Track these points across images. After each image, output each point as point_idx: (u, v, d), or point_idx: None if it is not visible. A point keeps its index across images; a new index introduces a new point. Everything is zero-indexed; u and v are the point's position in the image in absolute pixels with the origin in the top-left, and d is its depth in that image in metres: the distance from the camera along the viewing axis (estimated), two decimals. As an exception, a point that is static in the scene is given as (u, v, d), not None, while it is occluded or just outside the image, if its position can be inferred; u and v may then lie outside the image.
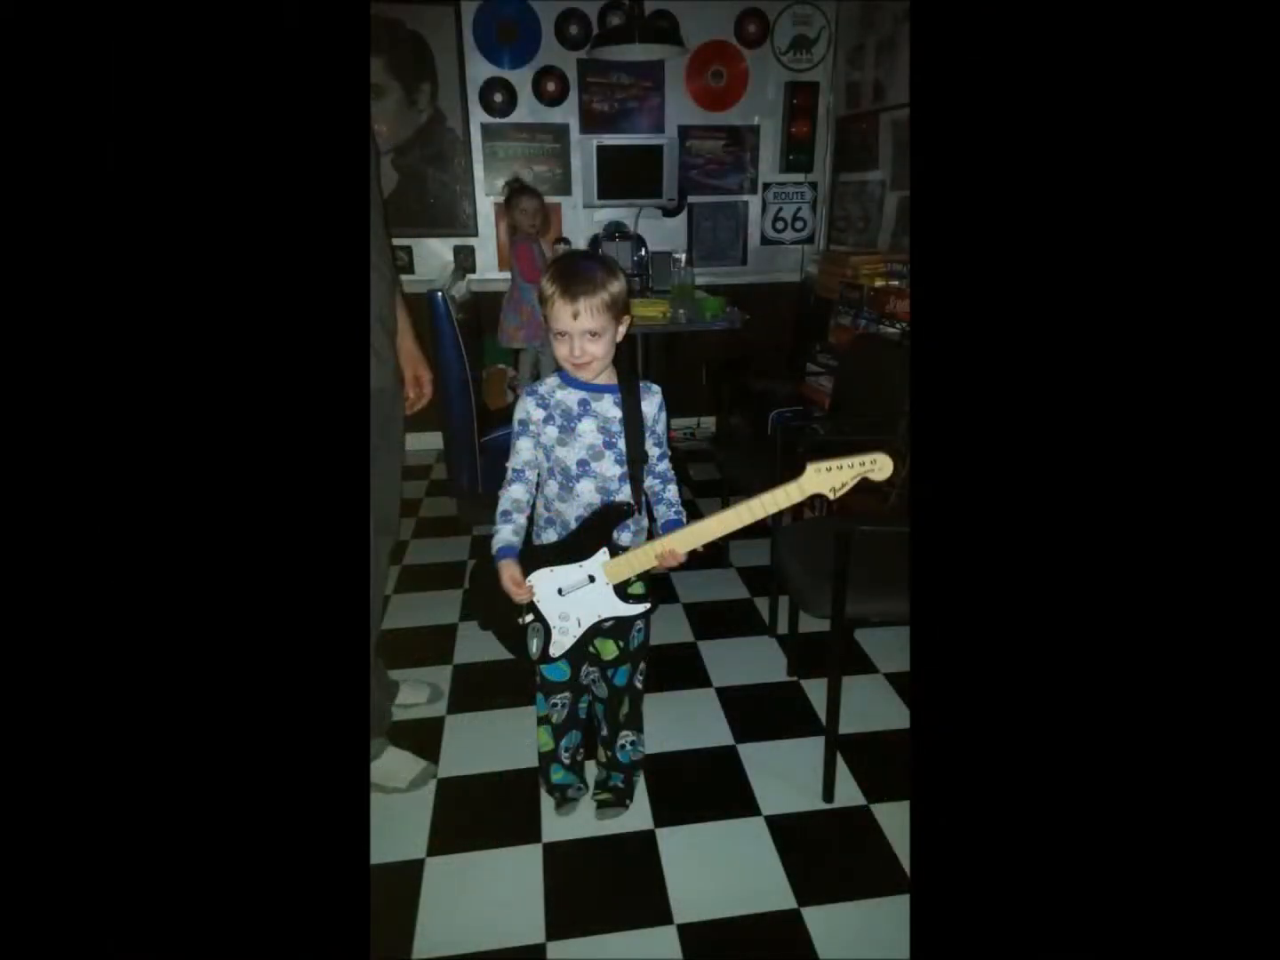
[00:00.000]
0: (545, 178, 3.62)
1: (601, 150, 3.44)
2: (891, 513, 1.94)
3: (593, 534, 1.31)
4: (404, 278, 2.02)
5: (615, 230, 3.60)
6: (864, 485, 1.20)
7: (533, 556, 1.34)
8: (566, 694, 1.50)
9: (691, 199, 3.77)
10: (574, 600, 1.34)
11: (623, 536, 1.36)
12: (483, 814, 1.59)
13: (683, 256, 3.58)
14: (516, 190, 3.15)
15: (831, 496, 1.20)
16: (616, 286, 1.24)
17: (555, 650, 1.38)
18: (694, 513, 2.65)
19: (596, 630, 1.39)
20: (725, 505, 1.52)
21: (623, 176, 3.49)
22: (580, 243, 3.65)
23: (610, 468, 1.32)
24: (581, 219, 3.71)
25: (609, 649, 1.47)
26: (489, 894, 1.40)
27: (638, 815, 1.57)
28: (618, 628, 1.43)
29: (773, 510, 1.21)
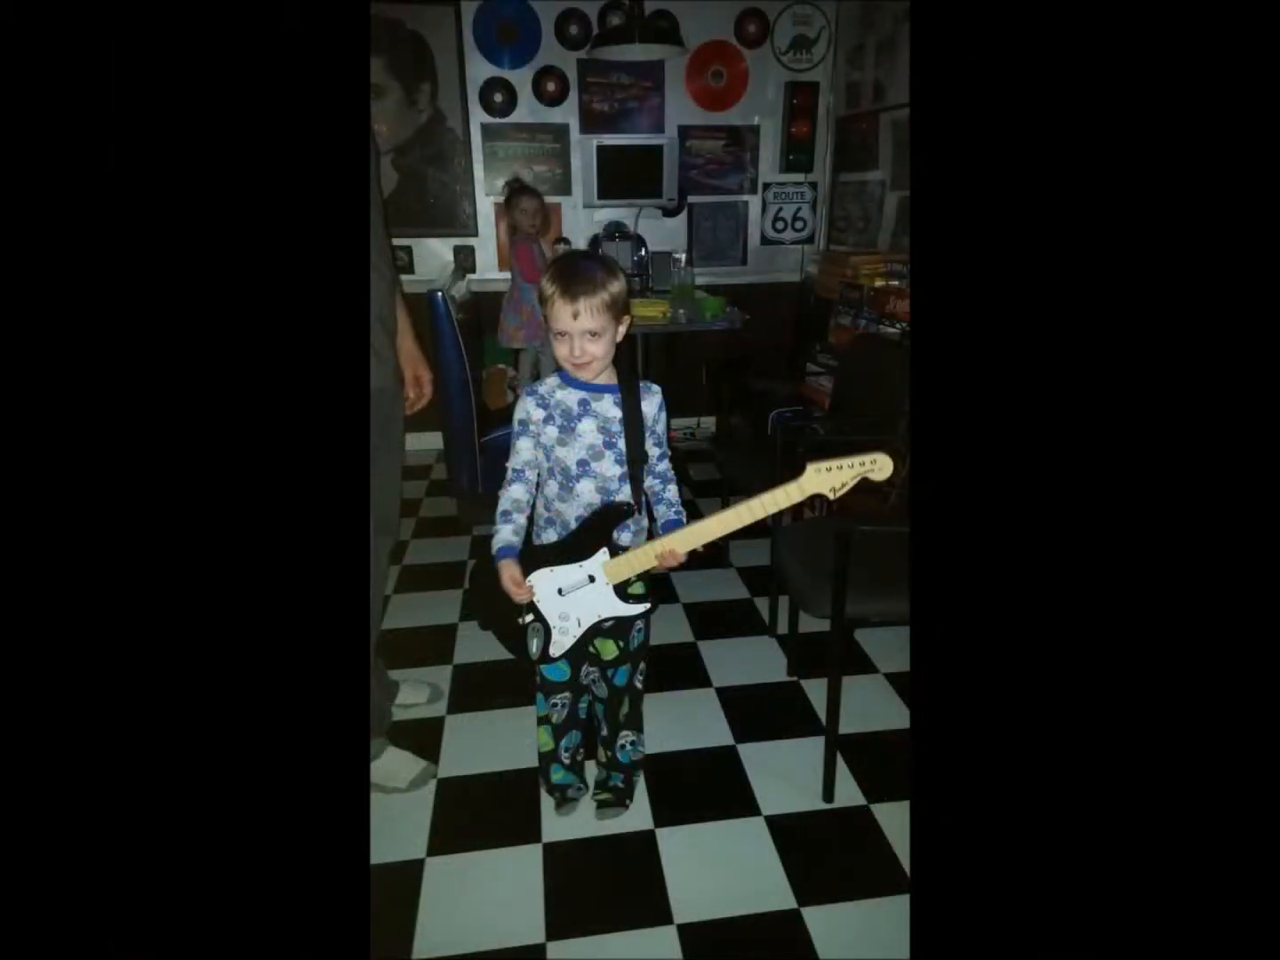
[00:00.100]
0: (545, 178, 3.62)
1: (601, 150, 3.44)
2: (891, 513, 1.94)
3: (593, 534, 1.31)
4: (404, 278, 2.02)
5: (615, 230, 3.60)
6: (864, 485, 1.20)
7: (533, 556, 1.34)
8: (566, 694, 1.50)
9: (691, 199, 3.77)
10: (574, 600, 1.34)
11: (623, 536, 1.36)
12: (483, 814, 1.59)
13: (683, 256, 3.58)
14: (516, 190, 3.15)
15: (831, 496, 1.20)
16: (616, 286, 1.24)
17: (555, 650, 1.38)
18: (694, 513, 2.65)
19: (596, 630, 1.39)
20: (725, 505, 1.52)
21: (623, 176, 3.49)
22: (580, 243, 3.65)
23: (610, 468, 1.32)
24: (581, 219, 3.71)
25: (609, 649, 1.47)
26: (489, 894, 1.40)
27: (638, 815, 1.57)
28: (618, 628, 1.43)
29: (773, 510, 1.21)
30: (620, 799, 1.58)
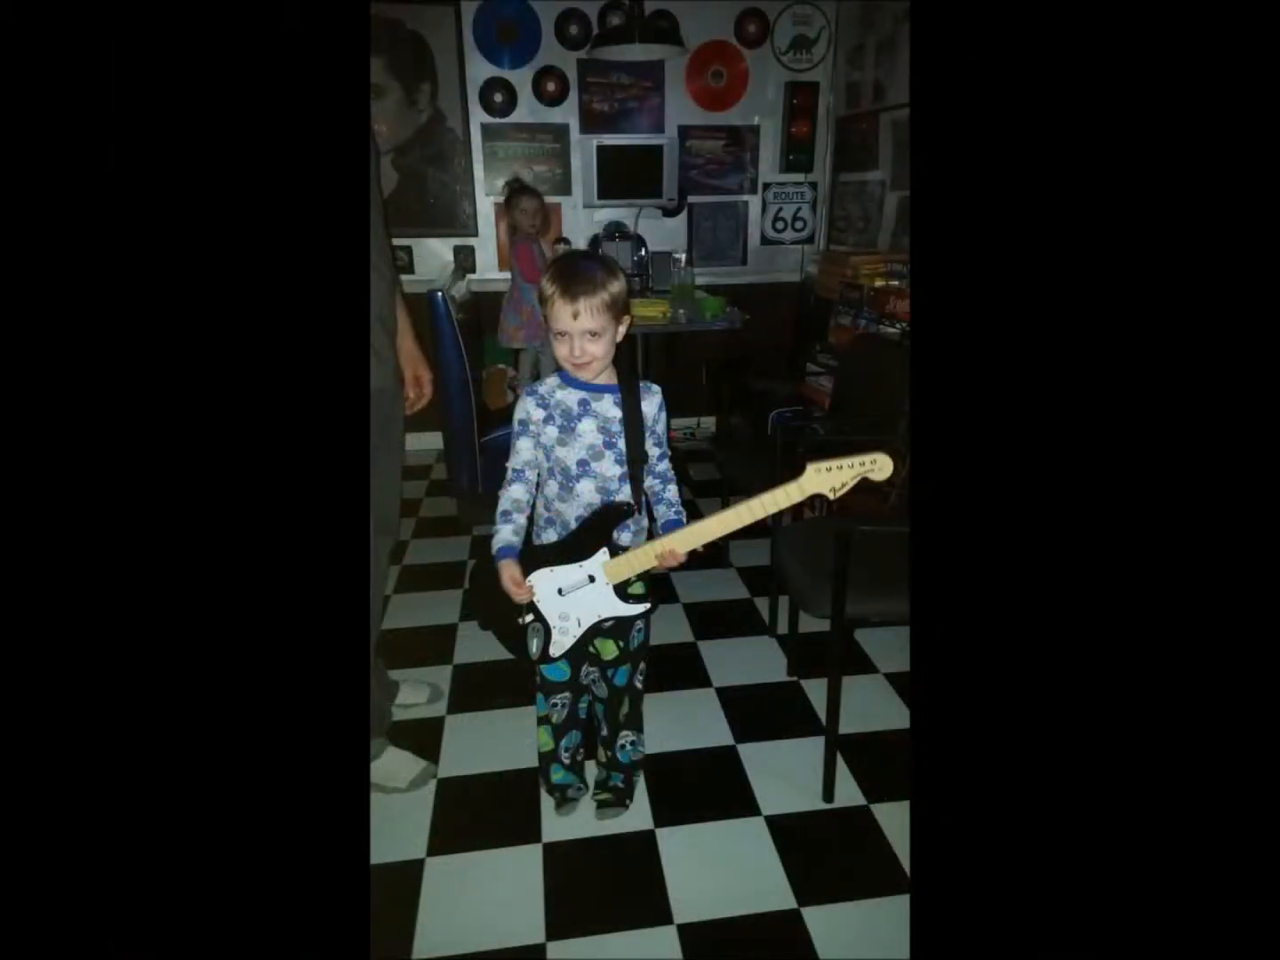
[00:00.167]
0: (545, 178, 3.62)
1: (601, 150, 3.44)
2: (891, 513, 1.94)
3: (593, 534, 1.31)
4: (404, 278, 2.02)
5: (615, 230, 3.60)
6: (864, 485, 1.20)
7: (533, 556, 1.34)
8: (566, 694, 1.50)
9: (691, 199, 3.77)
10: (574, 600, 1.34)
11: (623, 536, 1.36)
12: (483, 814, 1.59)
13: (683, 256, 3.58)
14: (516, 190, 3.15)
15: (831, 496, 1.20)
16: (616, 286, 1.24)
17: (555, 650, 1.38)
18: (694, 513, 2.65)
19: (596, 630, 1.39)
20: (725, 505, 1.52)
21: (623, 176, 3.49)
22: (580, 243, 3.65)
23: (610, 468, 1.32)
24: (581, 219, 3.71)
25: (609, 649, 1.47)
26: (489, 894, 1.40)
27: (638, 815, 1.57)
28: (618, 628, 1.43)
29: (773, 510, 1.21)
30: (620, 799, 1.58)
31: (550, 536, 1.38)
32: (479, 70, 3.46)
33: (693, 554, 1.29)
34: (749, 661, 2.11)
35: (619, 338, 1.28)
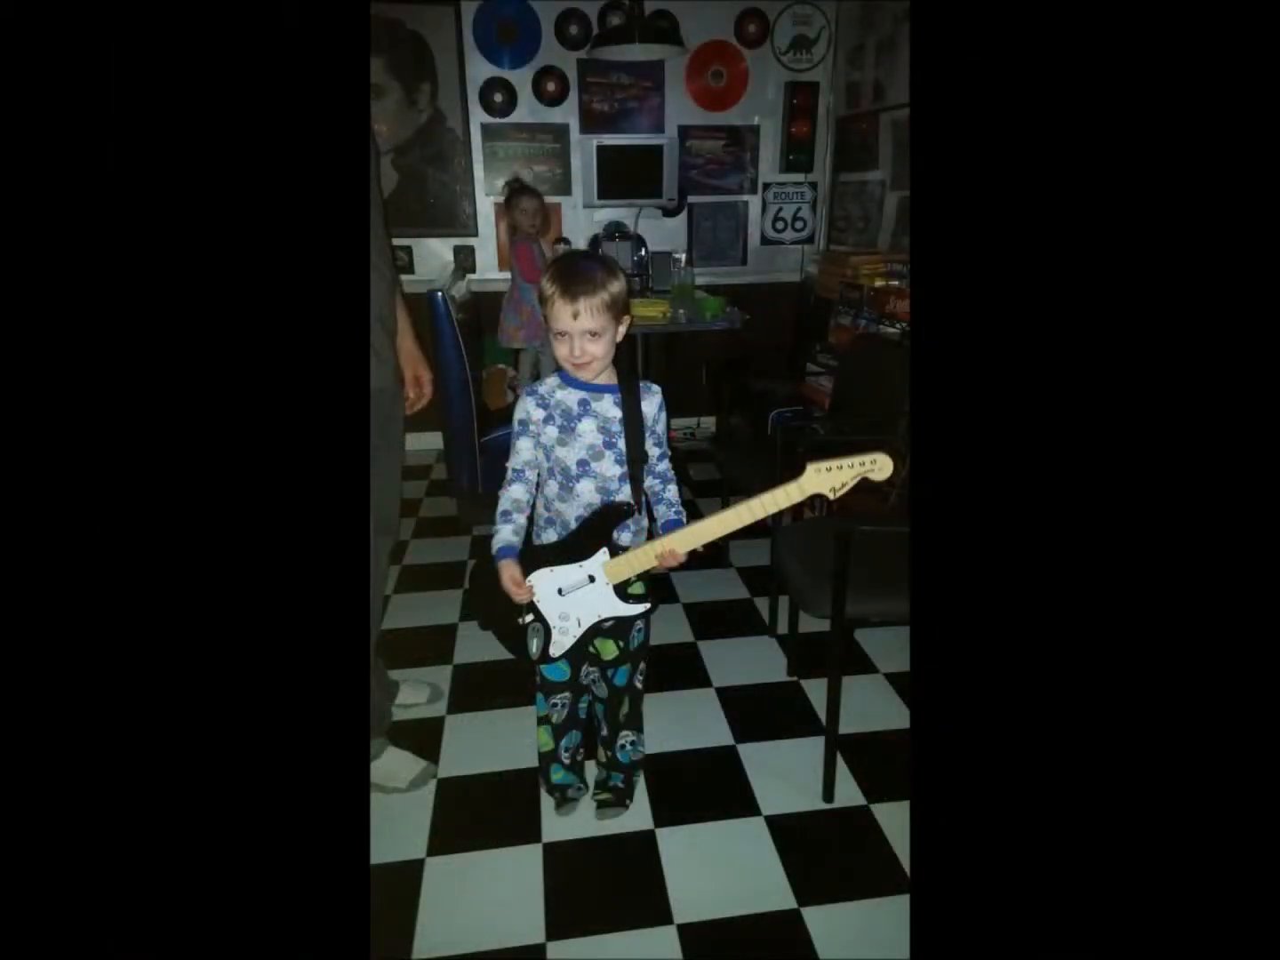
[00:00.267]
0: (545, 178, 3.62)
1: (601, 150, 3.44)
2: (891, 513, 1.94)
3: (593, 534, 1.31)
4: (404, 278, 2.02)
5: (615, 230, 3.60)
6: (864, 485, 1.20)
7: (533, 556, 1.34)
8: (566, 694, 1.50)
9: (691, 199, 3.77)
10: (574, 600, 1.34)
11: (623, 536, 1.36)
12: (483, 814, 1.59)
13: (683, 256, 3.58)
14: (516, 190, 3.15)
15: (831, 496, 1.20)
16: (616, 286, 1.24)
17: (555, 650, 1.38)
18: (694, 513, 2.65)
19: (596, 630, 1.39)
20: (725, 505, 1.52)
21: (623, 176, 3.49)
22: (580, 243, 3.65)
23: (610, 468, 1.32)
24: (581, 219, 3.71)
25: (609, 649, 1.47)
26: (489, 894, 1.40)
27: (638, 815, 1.57)
28: (618, 628, 1.43)
29: (773, 510, 1.21)
30: (620, 799, 1.58)
31: (550, 536, 1.38)
32: (479, 70, 3.46)
33: (693, 554, 1.29)
34: (749, 661, 2.11)
35: (619, 338, 1.28)
